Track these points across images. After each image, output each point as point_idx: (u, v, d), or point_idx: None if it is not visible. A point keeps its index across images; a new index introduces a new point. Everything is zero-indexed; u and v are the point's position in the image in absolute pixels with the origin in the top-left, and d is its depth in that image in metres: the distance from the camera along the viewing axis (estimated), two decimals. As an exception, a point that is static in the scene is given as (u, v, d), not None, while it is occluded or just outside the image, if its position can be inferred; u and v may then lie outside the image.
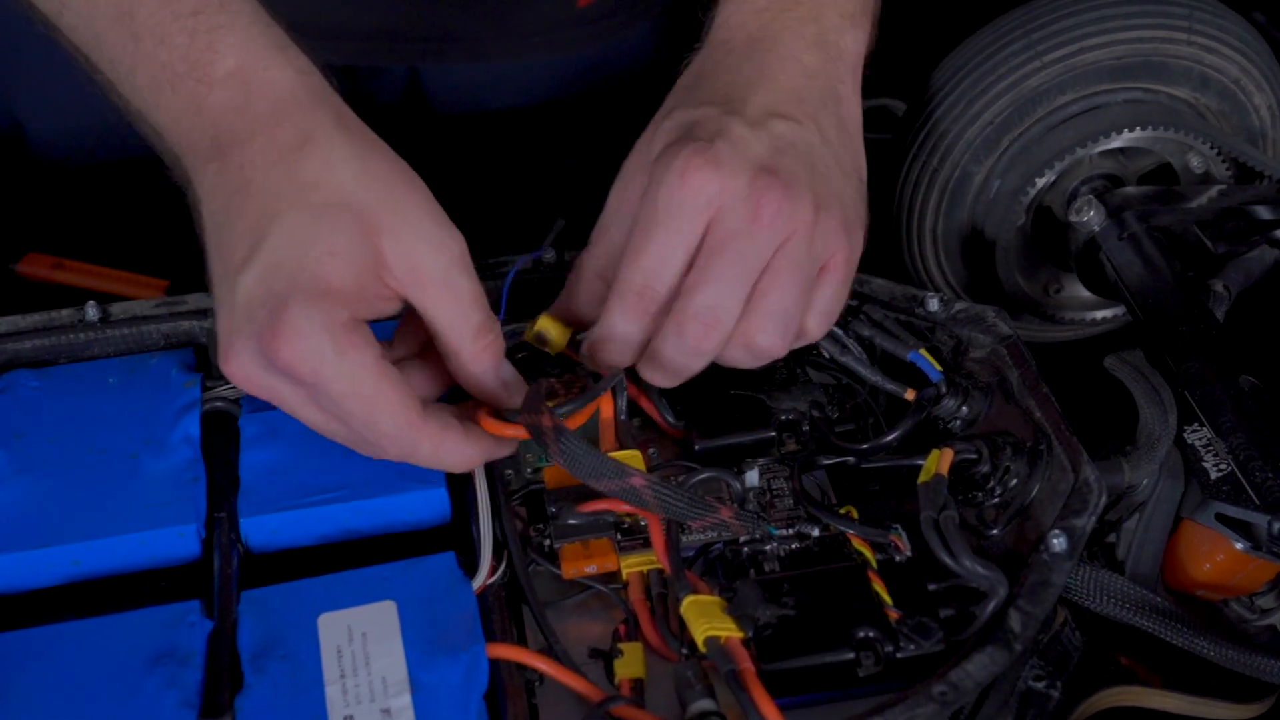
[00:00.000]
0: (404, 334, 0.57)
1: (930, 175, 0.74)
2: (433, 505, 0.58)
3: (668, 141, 0.57)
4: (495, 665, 0.52)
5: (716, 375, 0.61)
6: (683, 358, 0.55)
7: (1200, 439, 0.59)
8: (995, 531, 0.58)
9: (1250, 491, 0.56)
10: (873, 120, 0.88)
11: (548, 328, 0.58)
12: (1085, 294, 0.76)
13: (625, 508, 0.58)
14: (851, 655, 0.52)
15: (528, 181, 0.88)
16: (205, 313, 0.64)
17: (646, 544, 0.57)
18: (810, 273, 0.55)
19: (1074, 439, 0.57)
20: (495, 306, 0.64)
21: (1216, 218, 0.69)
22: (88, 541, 0.55)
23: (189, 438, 0.59)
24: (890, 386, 0.61)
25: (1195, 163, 0.72)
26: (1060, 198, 0.73)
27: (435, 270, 0.52)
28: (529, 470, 0.62)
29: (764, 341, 0.55)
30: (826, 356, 0.64)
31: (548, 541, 0.58)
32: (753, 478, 0.60)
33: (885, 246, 0.77)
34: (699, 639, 0.51)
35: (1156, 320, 0.65)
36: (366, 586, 0.54)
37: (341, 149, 0.53)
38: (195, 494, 0.57)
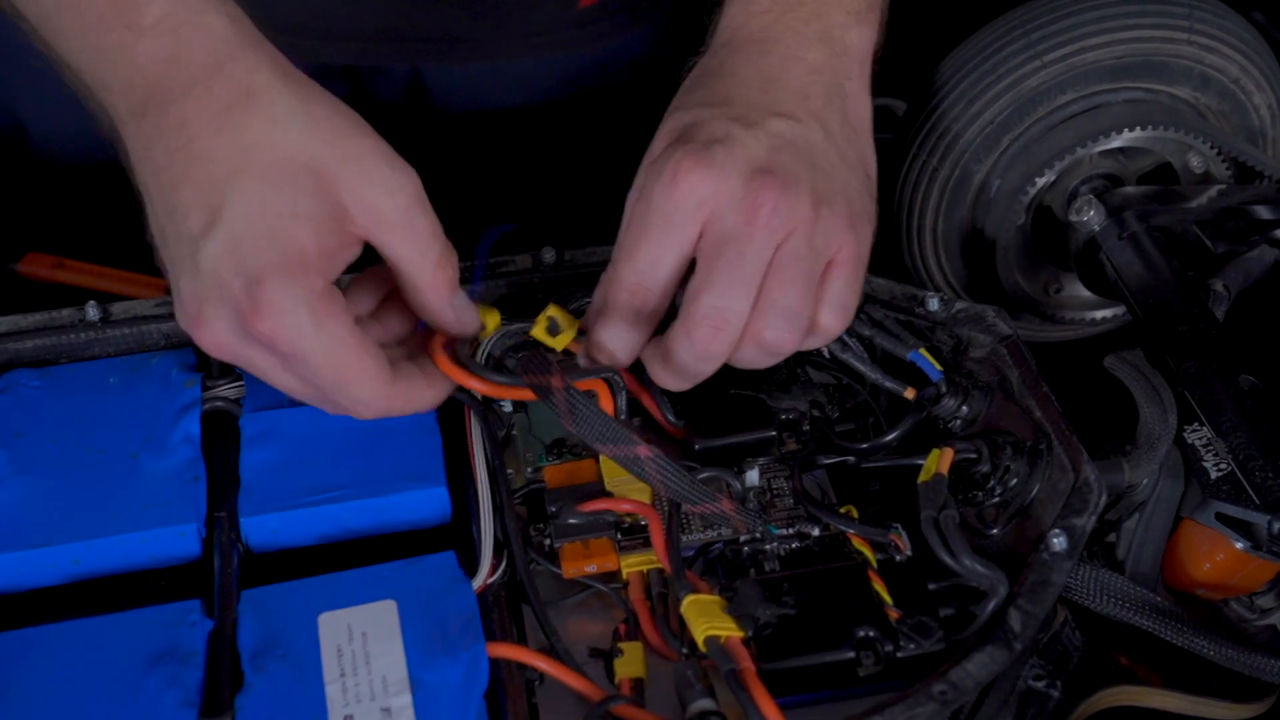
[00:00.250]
0: (362, 286, 0.58)
1: (930, 175, 0.74)
2: (433, 504, 0.58)
3: (665, 144, 0.57)
4: (495, 664, 0.52)
5: (717, 375, 0.61)
6: (693, 361, 0.56)
7: (1200, 438, 0.59)
8: (995, 531, 0.58)
9: (1250, 491, 0.56)
10: (874, 120, 0.88)
11: (557, 315, 0.59)
12: (1085, 293, 0.76)
13: (626, 507, 0.58)
14: (852, 654, 0.52)
15: (529, 181, 0.88)
16: (206, 312, 0.64)
17: (647, 543, 0.57)
18: (814, 268, 0.55)
19: (1074, 438, 0.57)
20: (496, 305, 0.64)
21: (1216, 217, 0.69)
22: (88, 541, 0.55)
23: (189, 437, 0.59)
24: (890, 385, 0.61)
25: (1195, 162, 0.72)
26: (1060, 197, 0.73)
27: (394, 213, 0.53)
28: (529, 470, 0.62)
29: (773, 337, 0.55)
30: (827, 355, 0.64)
31: (548, 541, 0.58)
32: (753, 477, 0.60)
33: (885, 246, 0.77)
34: (699, 638, 0.51)
35: (1156, 320, 0.65)
36: (367, 586, 0.54)
37: (284, 101, 0.52)
38: (195, 493, 0.57)
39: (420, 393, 0.55)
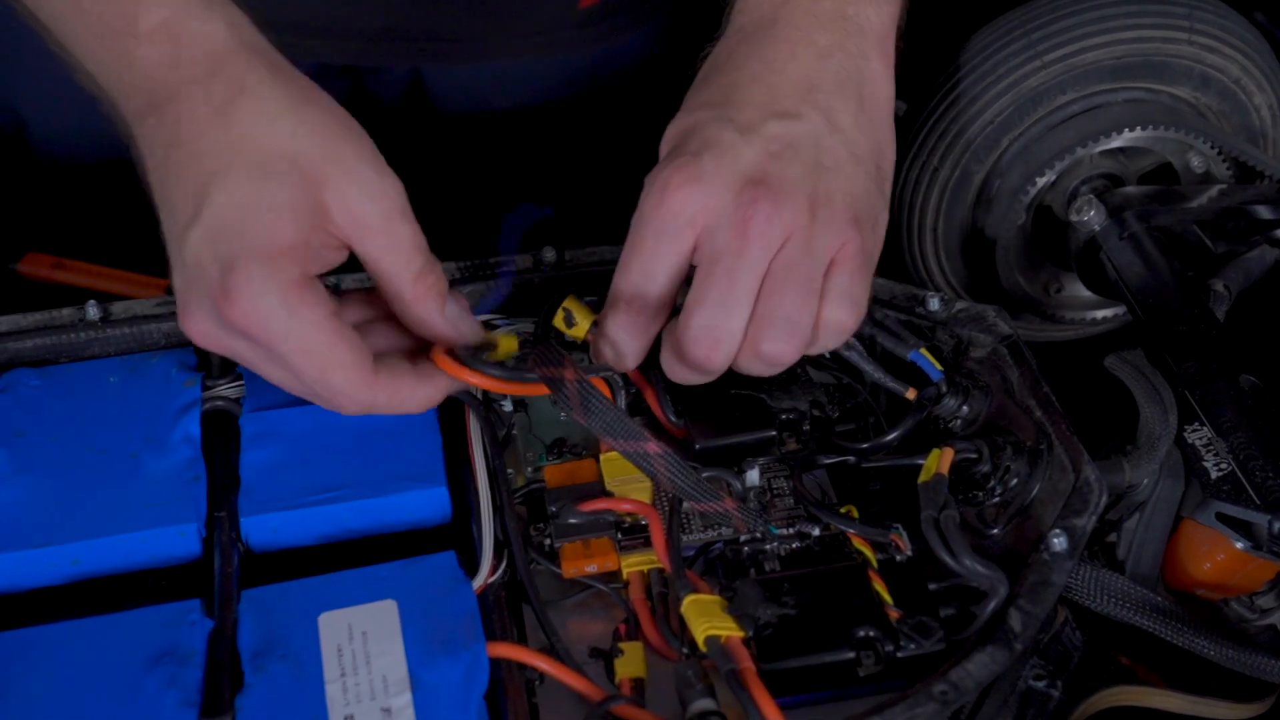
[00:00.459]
0: (356, 301, 0.57)
1: (931, 174, 0.74)
2: (433, 504, 0.58)
3: (665, 151, 0.57)
4: (496, 664, 0.52)
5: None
6: (691, 375, 0.56)
7: (1201, 438, 0.59)
8: (996, 531, 0.58)
9: (1250, 491, 0.56)
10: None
11: (573, 308, 0.59)
12: (1085, 293, 0.76)
13: (626, 506, 0.58)
14: (852, 654, 0.52)
15: (529, 182, 0.88)
16: (206, 312, 0.64)
17: (647, 543, 0.57)
18: (813, 273, 0.54)
19: (1074, 438, 0.57)
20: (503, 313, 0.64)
21: (1217, 217, 0.69)
22: (88, 540, 0.55)
23: (189, 437, 0.59)
24: (891, 385, 0.61)
25: (1196, 162, 0.72)
26: (1061, 197, 0.73)
27: (375, 218, 0.53)
28: (530, 469, 0.62)
29: (770, 349, 0.54)
30: (827, 355, 0.64)
31: (548, 541, 0.58)
32: (753, 477, 0.60)
33: (886, 246, 0.77)
34: (699, 638, 0.51)
35: (1157, 320, 0.65)
36: (367, 585, 0.54)
37: (277, 100, 0.52)
38: (196, 493, 0.57)
39: (408, 390, 0.54)
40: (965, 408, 0.61)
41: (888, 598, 0.54)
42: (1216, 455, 0.58)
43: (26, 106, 0.83)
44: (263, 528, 0.56)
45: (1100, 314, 0.79)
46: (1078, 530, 0.54)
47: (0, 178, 0.86)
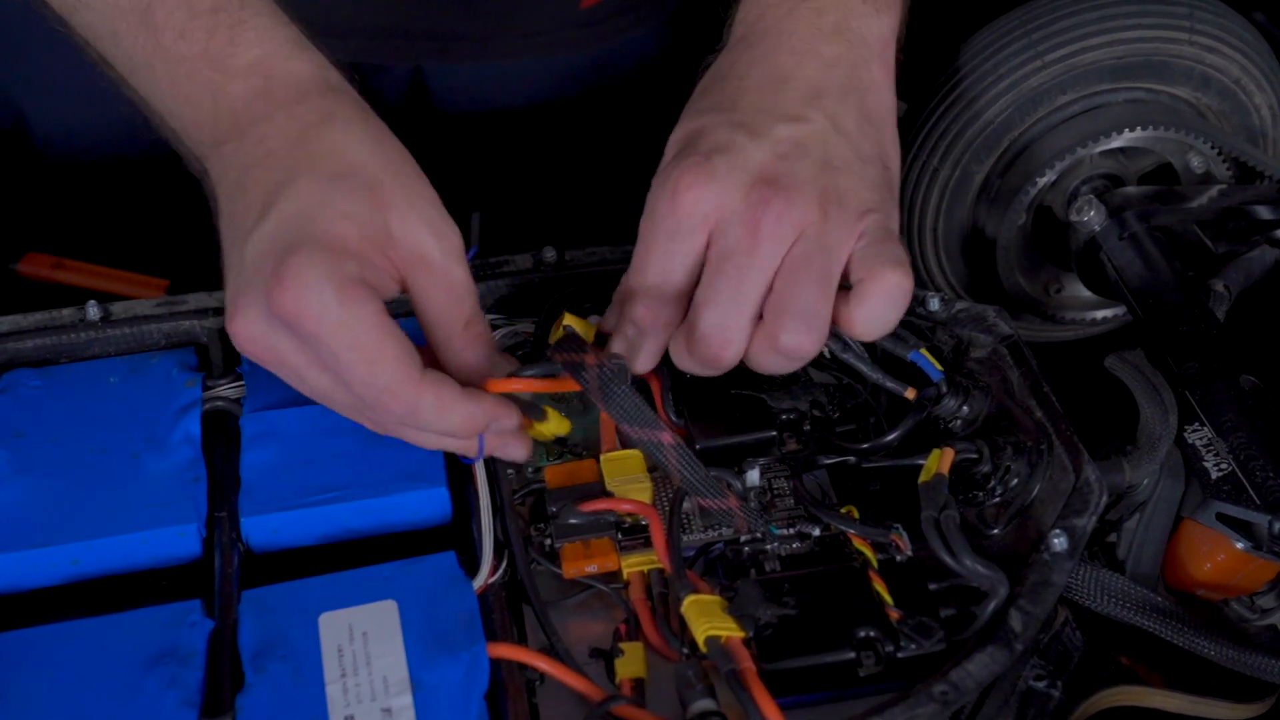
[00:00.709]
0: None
1: (931, 174, 0.74)
2: (433, 505, 0.58)
3: (673, 153, 0.57)
4: (496, 665, 0.52)
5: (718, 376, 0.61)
6: (700, 370, 0.57)
7: (1201, 438, 0.59)
8: (996, 531, 0.58)
9: (1251, 491, 0.56)
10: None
11: (574, 324, 0.59)
12: (1086, 294, 0.76)
13: (626, 507, 0.58)
14: (852, 655, 0.52)
15: (530, 181, 0.88)
16: (207, 312, 0.64)
17: (647, 543, 0.57)
18: (827, 267, 0.55)
19: (1075, 438, 0.57)
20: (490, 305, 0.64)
21: (1217, 217, 0.69)
22: (88, 541, 0.55)
23: (190, 437, 0.59)
24: (891, 385, 0.61)
25: (1196, 162, 0.72)
26: (1061, 197, 0.73)
27: (435, 256, 0.53)
28: (530, 470, 0.62)
29: (789, 341, 0.54)
30: (828, 355, 0.64)
31: (548, 541, 0.58)
32: (753, 477, 0.60)
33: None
34: (700, 638, 0.51)
35: (1157, 320, 0.65)
36: (367, 586, 0.54)
37: (359, 128, 0.54)
38: (196, 493, 0.57)
39: (453, 399, 0.53)
40: (965, 408, 0.61)
41: (888, 598, 0.54)
42: (1217, 455, 0.58)
43: (29, 105, 0.83)
44: (263, 528, 0.56)
45: (1100, 314, 0.79)
46: (1078, 530, 0.54)
47: (1, 177, 0.86)
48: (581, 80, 0.86)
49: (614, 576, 0.57)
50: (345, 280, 0.50)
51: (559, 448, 0.63)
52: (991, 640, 0.51)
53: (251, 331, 0.52)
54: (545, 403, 0.60)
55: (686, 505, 0.59)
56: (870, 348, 0.62)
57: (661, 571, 0.56)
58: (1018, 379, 0.60)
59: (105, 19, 0.57)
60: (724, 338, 0.55)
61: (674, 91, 0.62)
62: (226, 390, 0.62)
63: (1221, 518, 0.57)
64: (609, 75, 0.86)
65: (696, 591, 0.53)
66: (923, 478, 0.57)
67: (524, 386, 0.56)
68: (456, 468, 0.59)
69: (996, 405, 0.61)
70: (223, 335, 0.63)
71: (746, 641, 0.52)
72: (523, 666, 0.52)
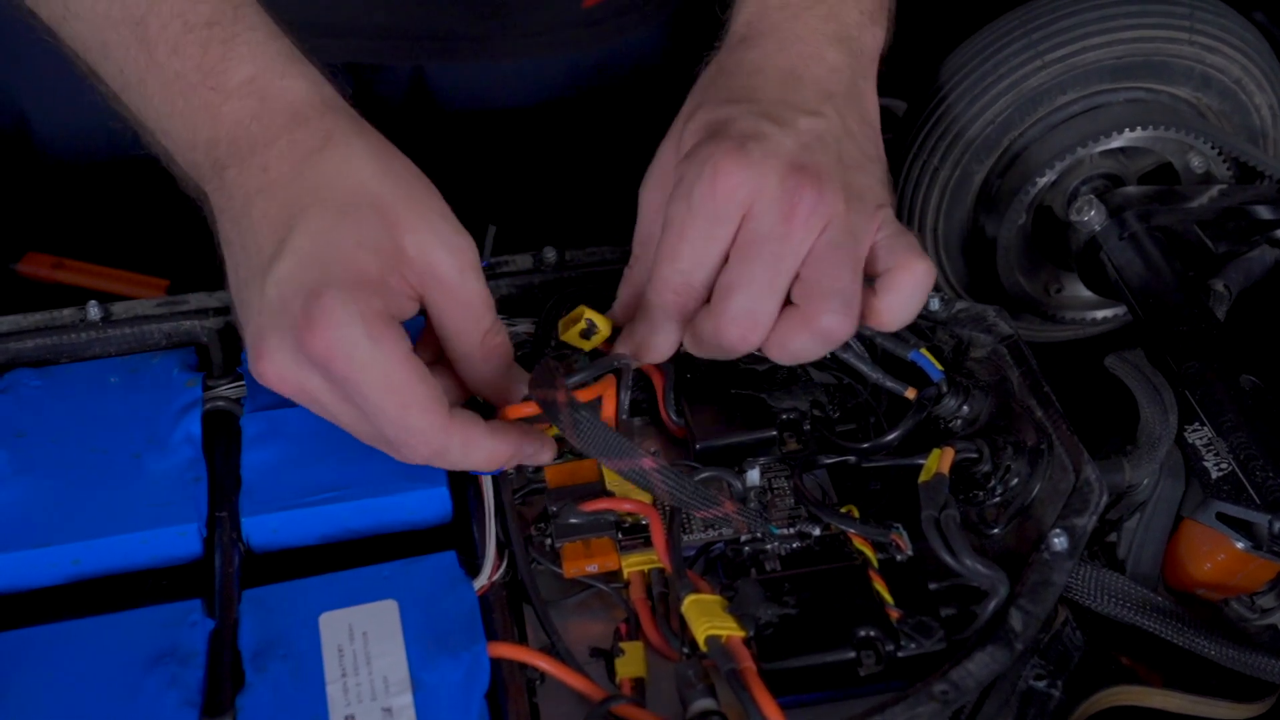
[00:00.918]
0: (421, 344, 0.57)
1: (931, 174, 0.74)
2: (434, 504, 0.58)
3: (696, 140, 0.57)
4: (496, 664, 0.52)
5: (718, 375, 0.61)
6: (718, 355, 0.57)
7: (1201, 438, 0.59)
8: (996, 531, 0.58)
9: (1251, 491, 0.56)
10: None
11: (596, 319, 0.59)
12: (1086, 293, 0.76)
13: (627, 506, 0.58)
14: (853, 654, 0.52)
15: (532, 181, 0.88)
16: (207, 312, 0.64)
17: (647, 543, 0.57)
18: (857, 254, 0.56)
19: (1075, 438, 0.57)
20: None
21: (1217, 217, 0.69)
22: (89, 541, 0.55)
23: (190, 437, 0.59)
24: (891, 385, 0.61)
25: (1196, 162, 0.72)
26: (1061, 197, 0.73)
27: (451, 271, 0.53)
28: (530, 470, 0.62)
29: (830, 322, 0.55)
30: (828, 355, 0.64)
31: (549, 541, 0.58)
32: (754, 477, 0.60)
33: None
34: (700, 638, 0.51)
35: (1157, 320, 0.65)
36: (368, 585, 0.54)
37: (361, 149, 0.53)
38: (196, 493, 0.57)
39: (480, 440, 0.54)
40: (966, 408, 0.61)
41: (888, 597, 0.54)
42: (1217, 455, 0.58)
43: (30, 105, 0.83)
44: (263, 528, 0.56)
45: (1100, 314, 0.79)
46: (1078, 530, 0.54)
47: (1, 177, 0.86)
48: (583, 80, 0.86)
49: (614, 576, 0.57)
50: (374, 319, 0.50)
51: (560, 447, 0.63)
52: (992, 640, 0.51)
53: (282, 372, 0.52)
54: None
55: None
56: (870, 347, 0.62)
57: (662, 571, 0.56)
58: (1018, 379, 0.60)
59: (95, 30, 0.56)
60: (754, 321, 0.55)
61: (675, 91, 0.62)
62: (227, 390, 0.62)
63: (1221, 517, 0.57)
64: (610, 75, 0.86)
65: (697, 591, 0.53)
66: (923, 477, 0.57)
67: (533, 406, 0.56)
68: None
69: (997, 405, 0.61)
70: (223, 335, 0.63)
71: (747, 641, 0.52)
72: (523, 666, 0.52)
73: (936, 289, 0.61)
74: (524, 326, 0.65)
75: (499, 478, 0.58)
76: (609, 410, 0.61)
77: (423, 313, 0.55)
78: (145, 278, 0.80)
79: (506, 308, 0.66)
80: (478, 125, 0.86)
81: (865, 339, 0.62)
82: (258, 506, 0.57)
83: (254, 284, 0.52)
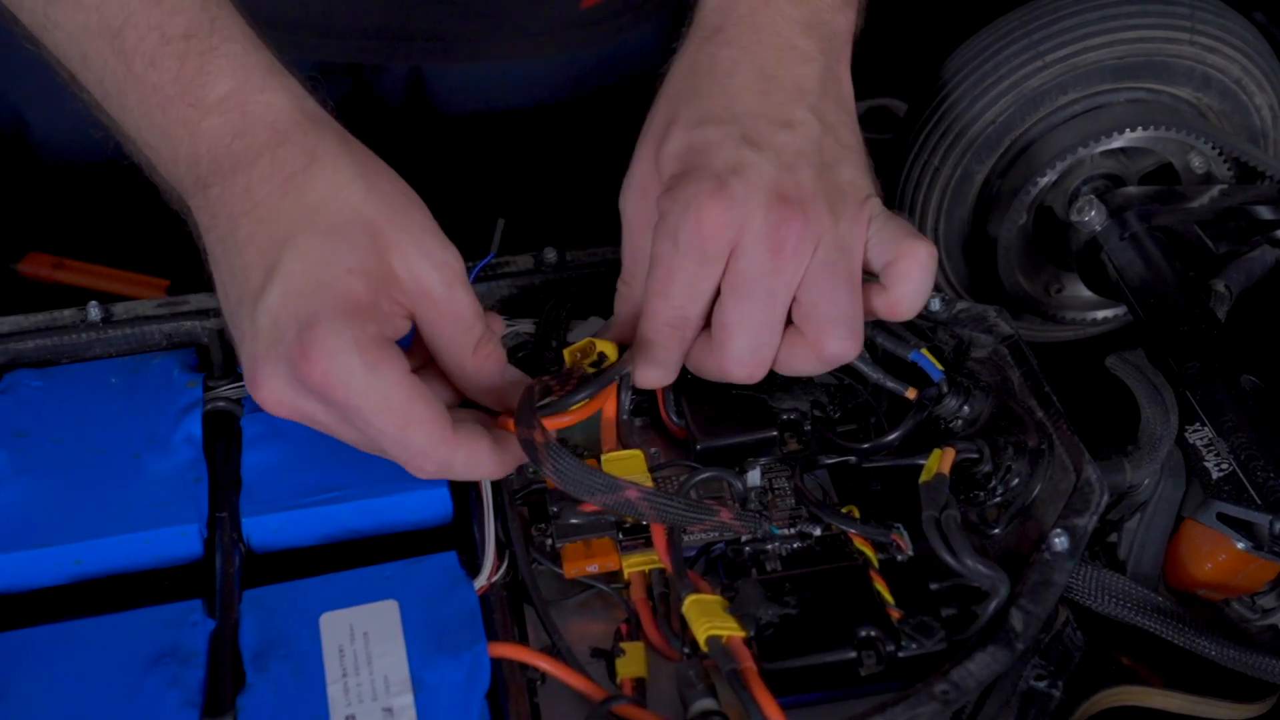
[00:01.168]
0: (411, 352, 0.57)
1: (932, 175, 0.74)
2: (434, 505, 0.58)
3: (675, 169, 0.57)
4: (497, 664, 0.52)
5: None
6: (730, 381, 0.58)
7: (1202, 439, 0.59)
8: (997, 531, 0.58)
9: (1252, 491, 0.56)
10: (873, 120, 0.88)
11: (606, 349, 0.59)
12: (1086, 294, 0.76)
13: (627, 507, 0.58)
14: (853, 654, 0.52)
15: (530, 182, 0.88)
16: (207, 313, 0.64)
17: (648, 543, 0.57)
18: (852, 268, 0.56)
19: (1075, 438, 0.57)
20: (491, 306, 0.64)
21: (1218, 217, 0.69)
22: (90, 541, 0.55)
23: (191, 437, 0.59)
24: (892, 385, 0.61)
25: (1197, 163, 0.72)
26: (1061, 197, 0.73)
27: (437, 286, 0.53)
28: (531, 470, 0.62)
29: (836, 349, 0.56)
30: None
31: (549, 541, 0.58)
32: (754, 477, 0.60)
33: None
34: (701, 638, 0.51)
35: (1158, 320, 0.65)
36: (368, 586, 0.54)
37: (347, 168, 0.53)
38: (197, 493, 0.57)
39: (485, 452, 0.54)
40: (966, 408, 0.61)
41: (889, 597, 0.54)
42: (1218, 455, 0.58)
43: (27, 107, 0.83)
44: (264, 528, 0.56)
45: (1101, 314, 0.79)
46: (1079, 530, 0.54)
47: (1, 177, 0.86)
48: (581, 80, 0.86)
49: (615, 576, 0.57)
50: (369, 345, 0.50)
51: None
52: (993, 640, 0.51)
53: (279, 399, 0.52)
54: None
55: (693, 499, 0.58)
56: (871, 347, 0.62)
57: (662, 571, 0.56)
58: (1018, 379, 0.60)
59: (75, 40, 0.55)
60: (758, 359, 0.56)
61: (664, 83, 0.62)
62: (227, 390, 0.62)
63: (1222, 518, 0.57)
64: (609, 75, 0.86)
65: (697, 591, 0.53)
66: (924, 477, 0.57)
67: (568, 420, 0.56)
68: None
69: (997, 405, 0.61)
70: (223, 336, 0.63)
71: (747, 641, 0.52)
72: (524, 666, 0.52)
73: (937, 289, 0.61)
74: (524, 326, 0.65)
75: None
76: (610, 411, 0.61)
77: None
78: (145, 278, 0.80)
79: (507, 308, 0.66)
80: (476, 126, 0.86)
81: (866, 339, 0.62)
82: (258, 507, 0.57)
83: (245, 310, 0.52)
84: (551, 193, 0.87)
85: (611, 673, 0.54)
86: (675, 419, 0.62)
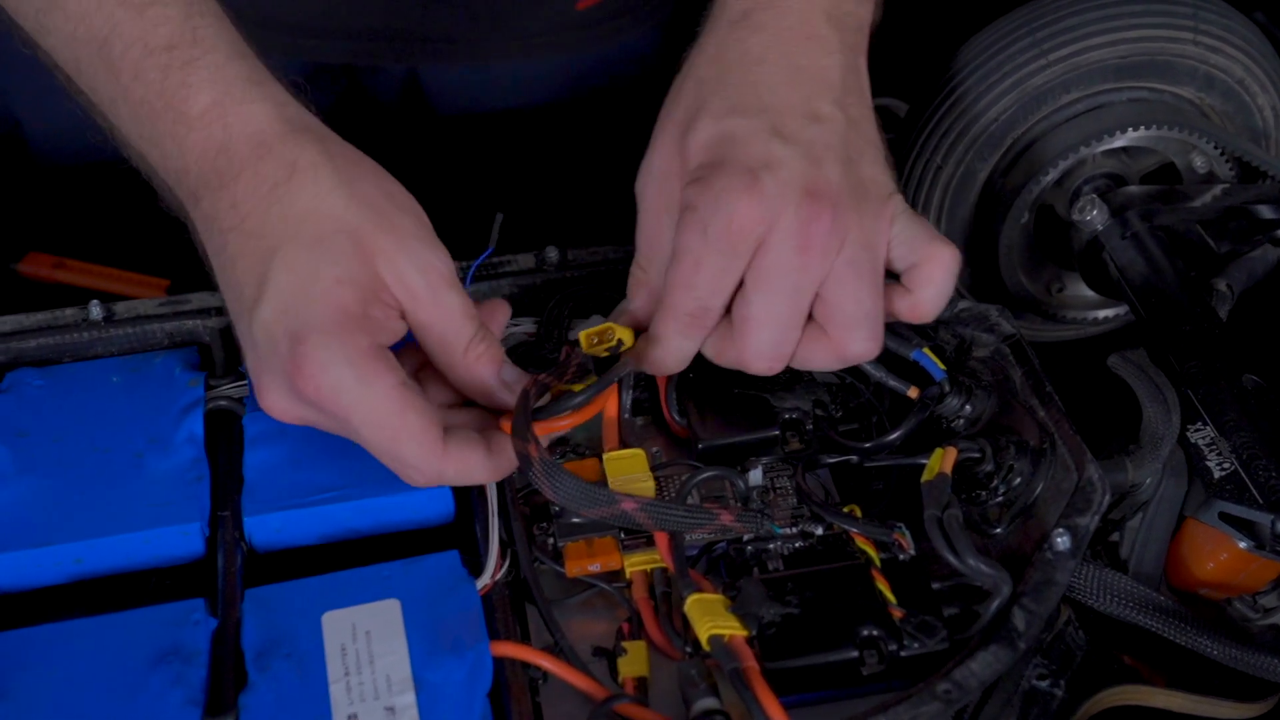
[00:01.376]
0: (405, 353, 0.57)
1: (934, 173, 0.74)
2: (436, 504, 0.58)
3: (704, 159, 0.56)
4: (499, 663, 0.52)
5: (720, 374, 0.61)
6: (749, 372, 0.57)
7: (1203, 438, 0.59)
8: (999, 530, 0.58)
9: (1254, 490, 0.56)
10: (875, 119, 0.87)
11: (623, 335, 0.59)
12: (1088, 293, 0.76)
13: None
14: (855, 654, 0.52)
15: (527, 183, 0.88)
16: (209, 312, 0.64)
17: (650, 543, 0.57)
18: (876, 266, 0.56)
19: (1077, 438, 0.57)
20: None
21: (1219, 217, 0.69)
22: (92, 540, 0.55)
23: (193, 436, 0.59)
24: (894, 384, 0.61)
25: (1198, 162, 0.72)
26: (1063, 197, 0.73)
27: (424, 289, 0.54)
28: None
29: (859, 349, 0.56)
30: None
31: (551, 540, 0.58)
32: (756, 476, 0.60)
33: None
34: (703, 637, 0.51)
35: (1160, 319, 0.65)
36: (370, 585, 0.54)
37: (328, 177, 0.53)
38: (199, 492, 0.57)
39: (478, 462, 0.54)
40: (968, 407, 0.61)
41: (891, 597, 0.54)
42: (1219, 455, 0.58)
43: (22, 109, 0.84)
44: (266, 527, 0.56)
45: (1103, 313, 0.79)
46: (1081, 529, 0.54)
47: (0, 178, 0.86)
48: (578, 81, 0.86)
49: (617, 575, 0.57)
50: (360, 358, 0.51)
51: (562, 447, 0.63)
52: (995, 639, 0.51)
53: (283, 409, 0.53)
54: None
55: (691, 504, 0.58)
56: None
57: (664, 570, 0.56)
58: (1020, 378, 0.60)
59: (67, 47, 0.56)
60: (779, 353, 0.56)
61: (686, 69, 0.61)
62: (229, 389, 0.62)
63: (1224, 517, 0.57)
64: (606, 76, 0.86)
65: (699, 590, 0.53)
66: (925, 477, 0.57)
67: (546, 430, 0.56)
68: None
69: (999, 404, 0.61)
70: (225, 335, 0.63)
71: (750, 640, 0.52)
72: (526, 665, 0.52)
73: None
74: (526, 326, 0.65)
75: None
76: (611, 411, 0.61)
77: None
78: (145, 277, 0.80)
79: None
80: (472, 127, 0.86)
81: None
82: (260, 506, 0.57)
83: (242, 322, 0.54)
84: (549, 193, 0.87)
85: (613, 672, 0.54)
86: (677, 418, 0.62)
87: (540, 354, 0.63)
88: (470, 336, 0.55)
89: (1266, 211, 0.69)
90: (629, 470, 0.59)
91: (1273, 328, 0.69)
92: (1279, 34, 0.84)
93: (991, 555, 0.56)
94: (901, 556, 0.56)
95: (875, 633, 0.52)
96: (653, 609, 0.55)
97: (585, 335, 0.59)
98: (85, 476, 0.57)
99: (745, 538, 0.58)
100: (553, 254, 0.67)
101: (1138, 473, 0.58)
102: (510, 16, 0.80)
